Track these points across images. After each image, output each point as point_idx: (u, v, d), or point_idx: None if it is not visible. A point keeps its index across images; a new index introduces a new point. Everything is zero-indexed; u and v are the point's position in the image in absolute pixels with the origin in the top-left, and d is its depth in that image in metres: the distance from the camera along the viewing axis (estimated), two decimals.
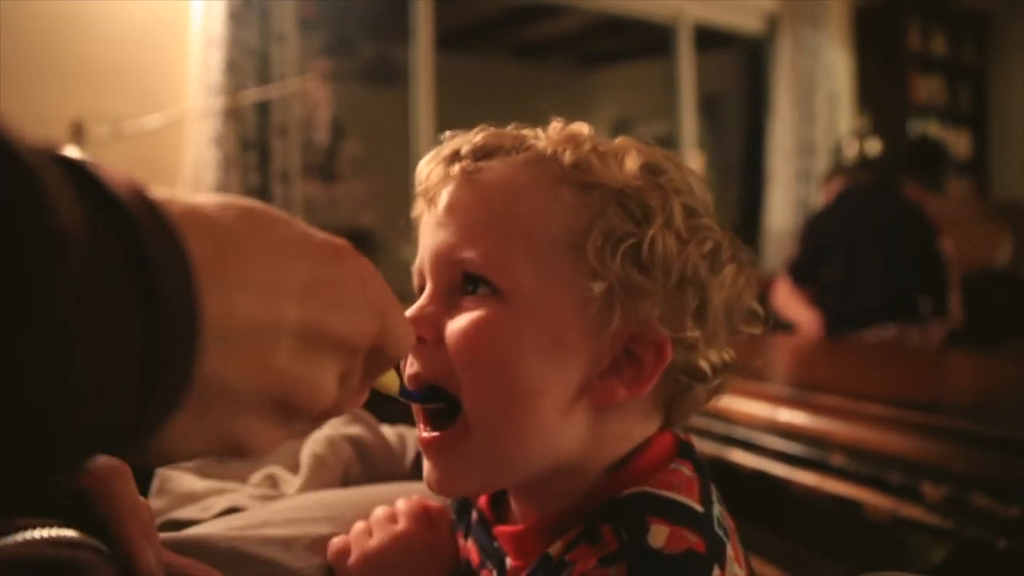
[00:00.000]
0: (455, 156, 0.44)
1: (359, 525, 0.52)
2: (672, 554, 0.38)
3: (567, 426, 0.42)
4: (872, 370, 1.96)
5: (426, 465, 0.45)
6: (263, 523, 0.52)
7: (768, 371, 1.77)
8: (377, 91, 3.66)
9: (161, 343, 0.22)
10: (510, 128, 0.46)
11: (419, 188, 0.46)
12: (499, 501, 0.50)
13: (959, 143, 4.30)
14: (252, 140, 2.44)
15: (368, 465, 0.69)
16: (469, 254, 0.42)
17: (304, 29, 2.63)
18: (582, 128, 0.45)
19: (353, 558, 0.49)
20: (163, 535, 0.44)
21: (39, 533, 0.35)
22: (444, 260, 0.43)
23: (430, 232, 0.44)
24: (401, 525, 0.51)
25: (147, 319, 0.22)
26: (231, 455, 0.28)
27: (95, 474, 0.39)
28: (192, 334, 0.24)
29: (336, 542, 0.51)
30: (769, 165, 3.61)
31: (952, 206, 3.55)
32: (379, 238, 3.10)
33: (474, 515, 0.52)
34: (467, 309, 0.42)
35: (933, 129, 4.14)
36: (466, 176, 0.43)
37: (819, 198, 2.82)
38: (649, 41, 3.98)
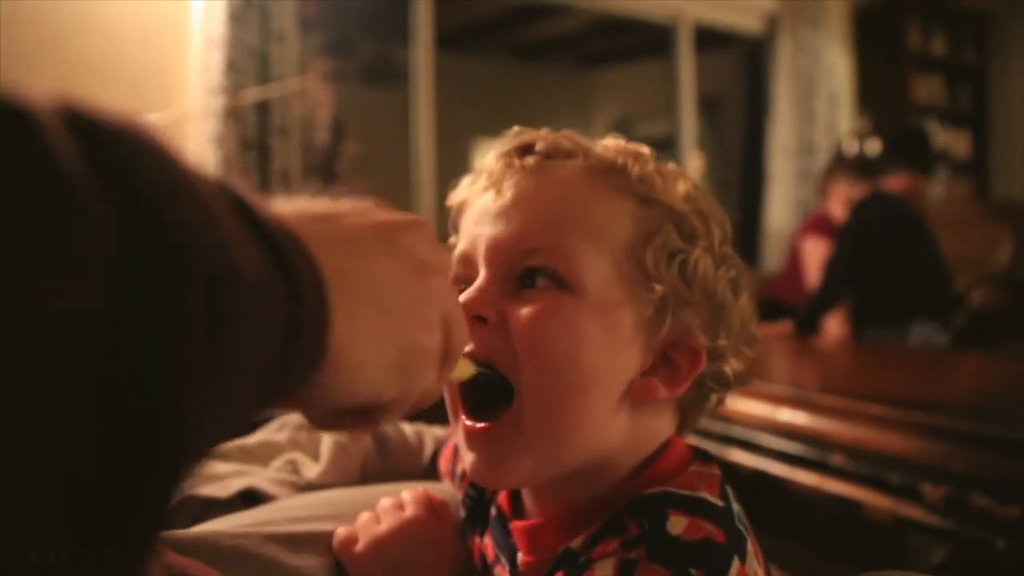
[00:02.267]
0: (526, 149, 0.46)
1: (365, 515, 0.53)
2: (690, 540, 0.39)
3: (612, 419, 0.44)
4: (872, 370, 1.96)
5: (470, 457, 0.45)
6: (266, 522, 0.52)
7: (768, 371, 1.77)
8: (377, 91, 3.67)
9: (303, 309, 0.25)
10: (575, 134, 0.48)
11: (485, 175, 0.47)
12: (516, 497, 0.51)
13: (959, 143, 4.30)
14: (252, 140, 2.44)
15: (386, 457, 0.69)
16: (537, 244, 0.44)
17: (304, 29, 2.63)
18: (643, 148, 0.48)
19: (361, 544, 0.50)
20: (164, 534, 0.44)
21: None
22: (508, 249, 0.44)
23: (489, 220, 0.45)
24: (409, 512, 0.52)
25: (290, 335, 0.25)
26: (375, 406, 0.32)
27: None
28: (321, 351, 0.27)
29: (342, 532, 0.51)
30: (769, 165, 3.61)
31: (952, 206, 3.55)
32: None
33: (493, 511, 0.52)
34: (532, 299, 0.43)
35: (933, 129, 4.14)
36: (538, 169, 0.45)
37: (820, 199, 2.76)
38: (649, 41, 3.99)
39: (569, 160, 0.46)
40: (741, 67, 4.20)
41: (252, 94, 2.35)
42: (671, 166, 0.49)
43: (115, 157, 0.20)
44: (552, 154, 0.46)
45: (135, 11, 2.32)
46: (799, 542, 1.37)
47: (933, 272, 2.51)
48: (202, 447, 0.23)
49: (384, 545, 0.50)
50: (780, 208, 3.56)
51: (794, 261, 3.01)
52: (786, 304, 2.85)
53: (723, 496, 0.43)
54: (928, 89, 4.17)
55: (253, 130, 2.44)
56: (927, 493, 1.01)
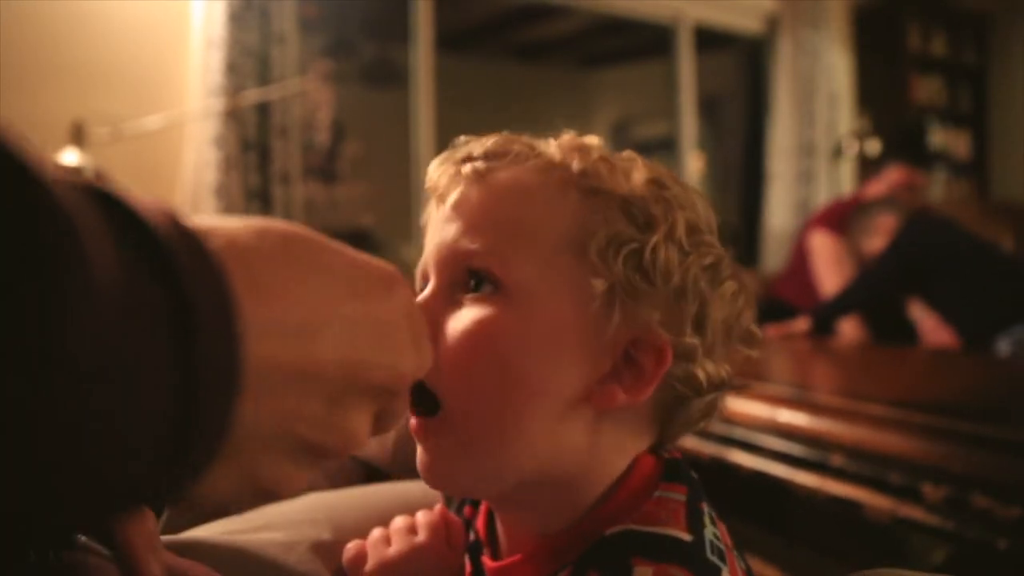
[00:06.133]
0: (467, 158, 0.44)
1: (377, 532, 0.52)
2: None
3: (564, 431, 0.41)
4: (872, 370, 1.96)
5: (418, 450, 0.44)
6: (264, 526, 0.52)
7: (768, 371, 1.77)
8: (377, 92, 3.67)
9: (200, 397, 0.21)
10: (521, 135, 0.46)
11: (429, 187, 0.46)
12: (491, 526, 0.50)
13: (959, 144, 4.30)
14: (252, 141, 2.44)
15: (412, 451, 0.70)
16: (474, 246, 0.42)
17: (304, 30, 2.64)
18: (592, 139, 0.46)
19: (370, 565, 0.49)
20: (164, 538, 0.44)
21: None
22: (449, 253, 0.43)
23: (437, 228, 0.44)
24: (421, 537, 0.50)
25: (184, 371, 0.21)
26: (261, 500, 0.28)
27: None
28: (232, 386, 0.23)
29: (352, 548, 0.50)
30: (769, 165, 3.61)
31: (952, 207, 3.55)
32: (379, 238, 3.11)
33: (471, 536, 0.51)
34: (468, 307, 0.42)
35: (933, 129, 4.14)
36: (477, 176, 0.43)
37: (863, 238, 2.67)
38: (649, 41, 3.99)
39: (510, 163, 0.44)
40: (741, 67, 4.20)
41: (252, 95, 2.35)
42: (626, 155, 0.46)
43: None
44: (492, 159, 0.44)
45: (135, 11, 2.32)
46: (799, 542, 1.37)
47: (1014, 269, 2.38)
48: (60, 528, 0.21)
49: (391, 569, 0.49)
50: (780, 208, 3.55)
51: (798, 259, 2.99)
52: (789, 304, 2.84)
53: (691, 525, 0.40)
54: (928, 89, 4.16)
55: (253, 131, 2.44)
56: (927, 493, 1.01)
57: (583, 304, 0.41)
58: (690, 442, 1.36)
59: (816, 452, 1.19)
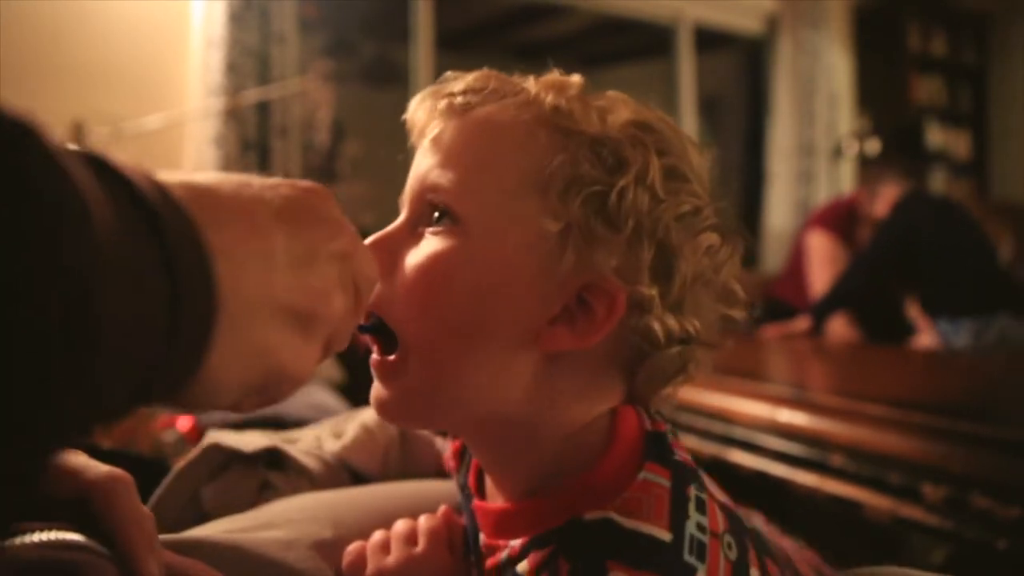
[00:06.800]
0: (446, 93, 0.44)
1: (377, 537, 0.51)
2: None
3: (510, 369, 0.42)
4: (872, 370, 1.96)
5: (374, 384, 0.45)
6: (264, 524, 0.52)
7: (768, 371, 1.77)
8: (378, 91, 3.66)
9: (181, 269, 0.25)
10: (505, 73, 0.46)
11: (408, 122, 0.47)
12: (482, 483, 0.50)
13: (959, 144, 4.30)
14: (252, 141, 2.44)
15: (408, 452, 0.71)
16: (439, 180, 0.42)
17: (304, 30, 2.64)
18: (573, 78, 0.45)
19: (369, 572, 0.49)
20: (164, 536, 0.44)
21: (41, 536, 0.35)
22: (418, 186, 0.44)
23: (416, 162, 0.46)
24: (420, 547, 0.50)
25: (163, 248, 0.24)
26: (274, 381, 0.30)
27: (98, 484, 0.39)
28: (203, 257, 0.26)
29: (352, 551, 0.50)
30: (769, 165, 3.61)
31: None
32: None
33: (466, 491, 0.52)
34: (425, 240, 0.42)
35: (933, 129, 4.14)
36: (452, 112, 0.44)
37: (868, 202, 2.62)
38: (649, 42, 3.98)
39: (487, 99, 0.44)
40: (741, 67, 4.19)
41: (252, 95, 2.35)
42: (610, 95, 0.45)
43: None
44: (470, 94, 0.44)
45: (135, 11, 2.32)
46: (799, 542, 1.36)
47: (994, 264, 2.39)
48: (64, 432, 0.23)
49: None
50: (780, 208, 3.56)
51: (797, 259, 2.99)
52: (789, 304, 2.83)
53: (673, 520, 0.38)
54: (928, 89, 4.16)
55: (253, 130, 2.44)
56: (927, 493, 1.01)
57: (534, 243, 0.40)
58: (690, 442, 1.36)
59: (816, 452, 1.19)
